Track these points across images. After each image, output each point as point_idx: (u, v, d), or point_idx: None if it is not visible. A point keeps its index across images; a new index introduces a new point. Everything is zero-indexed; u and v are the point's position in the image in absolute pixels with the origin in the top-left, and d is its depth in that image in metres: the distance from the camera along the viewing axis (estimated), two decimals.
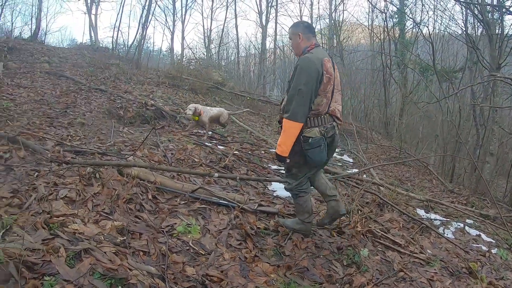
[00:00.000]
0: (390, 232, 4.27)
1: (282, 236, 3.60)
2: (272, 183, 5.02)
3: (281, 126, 3.10)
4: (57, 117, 5.93)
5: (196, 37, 57.07)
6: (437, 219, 5.34)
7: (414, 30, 17.42)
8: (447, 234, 4.82)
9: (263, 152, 6.68)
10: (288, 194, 4.14)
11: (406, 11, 16.65)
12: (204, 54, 25.52)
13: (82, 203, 3.15)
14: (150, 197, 3.71)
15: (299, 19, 23.90)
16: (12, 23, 25.89)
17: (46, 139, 4.68)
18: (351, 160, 9.01)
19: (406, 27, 17.29)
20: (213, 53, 26.15)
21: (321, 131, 3.07)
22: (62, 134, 5.17)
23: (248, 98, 13.52)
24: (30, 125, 5.21)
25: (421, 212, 5.54)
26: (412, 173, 9.54)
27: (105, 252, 2.47)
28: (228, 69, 24.41)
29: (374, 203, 5.00)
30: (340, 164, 8.20)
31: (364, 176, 6.47)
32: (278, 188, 4.76)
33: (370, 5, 19.52)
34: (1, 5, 23.13)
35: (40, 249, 2.25)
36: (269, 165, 6.03)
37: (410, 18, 16.39)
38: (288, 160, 3.16)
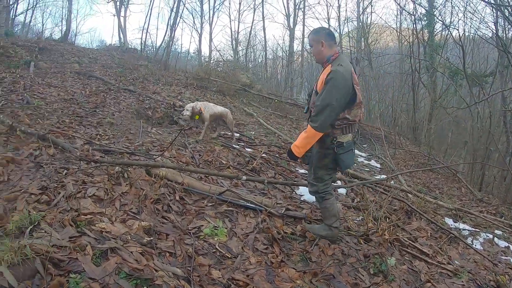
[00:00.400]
0: (417, 241, 4.18)
1: (309, 242, 3.56)
2: (300, 187, 4.96)
3: None
4: (87, 116, 6.08)
5: (223, 39, 57.52)
6: (465, 229, 5.19)
7: (443, 32, 17.03)
8: (475, 245, 4.67)
9: None
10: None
11: (435, 13, 16.18)
12: (231, 56, 25.76)
13: (110, 202, 3.18)
14: (177, 198, 3.73)
15: (327, 22, 24.14)
16: (43, 25, 27.08)
17: (75, 137, 4.80)
18: (378, 165, 8.82)
19: (435, 30, 16.78)
20: (241, 55, 26.39)
21: (353, 135, 3.29)
22: (91, 133, 5.29)
23: (276, 100, 13.50)
24: (59, 123, 5.36)
25: (449, 221, 5.40)
26: (440, 181, 9.25)
27: (131, 252, 2.48)
28: (255, 72, 24.53)
29: (402, 211, 4.92)
30: (368, 169, 8.03)
31: (392, 182, 6.32)
32: (306, 193, 4.70)
33: (398, 7, 19.18)
34: (32, 7, 24.35)
35: (67, 247, 2.28)
36: (296, 168, 5.99)
37: (439, 20, 15.90)
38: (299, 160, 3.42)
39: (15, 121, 4.87)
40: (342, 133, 3.19)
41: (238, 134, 7.48)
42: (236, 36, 26.61)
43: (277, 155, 6.36)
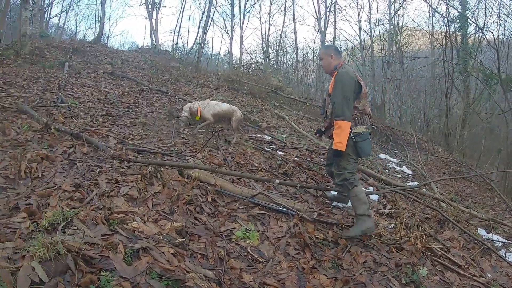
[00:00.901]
0: (450, 252, 4.03)
1: (340, 249, 3.50)
2: (332, 192, 4.85)
3: (327, 132, 4.01)
4: (120, 116, 6.22)
5: (254, 41, 57.86)
6: (498, 241, 4.94)
7: (477, 35, 16.43)
8: (508, 258, 4.44)
9: (322, 159, 6.52)
10: (347, 204, 4.44)
11: (468, 15, 15.62)
12: (262, 59, 25.86)
13: (143, 202, 3.21)
14: (209, 199, 3.72)
15: (358, 24, 24.03)
16: (76, 27, 28.21)
17: (109, 136, 4.90)
18: (410, 172, 8.54)
19: (468, 32, 16.16)
20: (271, 58, 26.43)
21: (366, 127, 3.78)
22: (124, 132, 5.40)
23: (307, 104, 13.38)
24: (93, 122, 5.51)
25: (482, 231, 5.18)
26: (473, 189, 8.84)
27: (163, 252, 2.48)
28: (286, 74, 24.48)
29: (434, 219, 4.80)
30: (400, 176, 7.80)
31: (424, 190, 6.11)
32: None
33: (430, 9, 18.67)
34: (66, 10, 25.41)
35: (99, 244, 2.30)
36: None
37: (473, 22, 15.35)
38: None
39: (50, 120, 5.03)
40: (356, 124, 3.72)
41: (269, 137, 7.44)
42: (266, 38, 26.75)
43: (308, 159, 6.28)
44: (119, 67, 11.79)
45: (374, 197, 5.23)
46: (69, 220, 2.56)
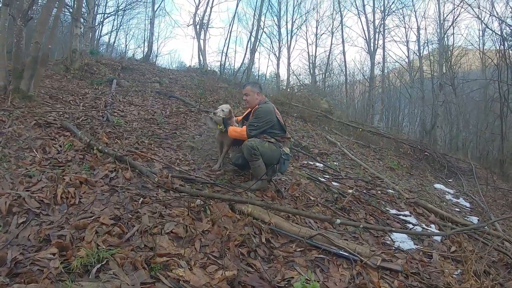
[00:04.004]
0: None
1: None
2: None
3: None
4: (166, 138, 5.99)
5: (300, 63, 57.93)
6: None
7: None
8: None
9: (379, 192, 6.05)
10: (411, 246, 4.11)
11: None
12: (309, 81, 25.59)
13: (189, 242, 2.85)
14: (263, 240, 3.31)
15: (406, 45, 23.45)
16: (126, 45, 29.33)
17: (154, 160, 4.63)
18: (468, 204, 7.70)
19: None
20: (318, 79, 26.09)
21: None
22: (171, 156, 5.13)
23: (360, 129, 12.74)
24: (138, 144, 5.28)
25: None
26: None
27: None
28: (334, 97, 24.02)
29: (501, 263, 4.15)
30: (458, 209, 7.01)
31: (486, 227, 5.43)
32: (399, 238, 4.30)
33: (481, 27, 17.83)
34: (116, 29, 26.53)
35: None
36: (387, 208, 5.39)
37: None
38: None
39: (93, 139, 4.84)
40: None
41: (322, 165, 7.06)
42: (313, 60, 26.50)
43: (365, 191, 5.84)
44: (167, 86, 11.81)
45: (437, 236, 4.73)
46: (104, 262, 2.23)
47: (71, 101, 6.99)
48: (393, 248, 4.05)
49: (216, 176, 4.65)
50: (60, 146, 4.51)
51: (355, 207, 4.98)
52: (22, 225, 2.76)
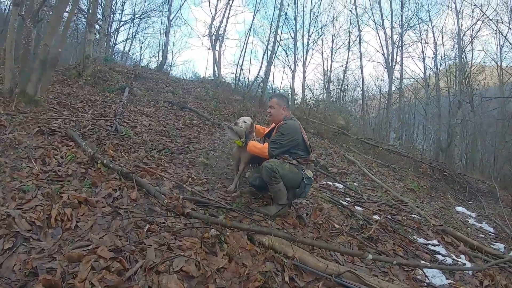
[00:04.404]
0: None
1: None
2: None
3: None
4: (178, 153, 5.55)
5: (315, 77, 57.46)
6: None
7: None
8: None
9: (404, 217, 5.64)
10: (443, 281, 3.77)
11: None
12: (323, 96, 25.27)
13: (202, 282, 2.39)
14: (287, 278, 2.84)
15: (422, 61, 23.07)
16: (141, 54, 29.40)
17: (164, 178, 4.20)
18: (491, 229, 7.13)
19: None
20: (333, 95, 25.72)
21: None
22: (182, 174, 4.68)
23: (380, 148, 12.18)
24: (148, 158, 4.84)
25: None
26: None
27: None
28: (350, 113, 23.57)
29: None
30: (483, 235, 6.47)
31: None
32: (431, 272, 3.93)
33: (499, 43, 17.42)
34: (131, 37, 26.61)
35: None
36: (414, 236, 5.00)
37: None
38: None
39: (99, 151, 4.44)
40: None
41: (341, 186, 6.67)
42: (328, 75, 26.16)
43: (389, 216, 5.41)
44: (181, 97, 11.46)
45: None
46: None
47: (79, 108, 6.62)
48: (425, 284, 3.67)
49: (232, 199, 4.21)
50: (62, 158, 4.12)
51: (383, 236, 4.57)
52: (8, 251, 2.37)
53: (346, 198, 5.98)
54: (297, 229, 3.96)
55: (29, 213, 2.80)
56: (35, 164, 3.77)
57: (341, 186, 6.70)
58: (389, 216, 5.44)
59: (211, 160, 5.53)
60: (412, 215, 5.87)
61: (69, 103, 6.78)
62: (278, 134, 4.06)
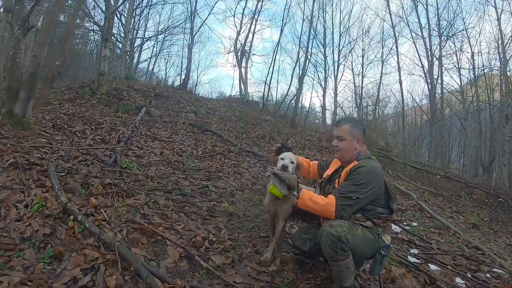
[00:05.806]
0: None
1: None
2: None
3: None
4: (193, 195, 4.17)
5: (345, 94, 55.69)
6: None
7: None
8: None
9: (488, 274, 4.09)
10: None
11: None
12: (356, 114, 23.96)
13: None
14: None
15: (458, 72, 21.02)
16: (166, 73, 28.94)
17: (167, 242, 2.81)
18: None
19: None
20: (365, 112, 24.32)
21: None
22: (196, 232, 3.25)
23: (438, 176, 10.18)
24: (149, 205, 3.47)
25: None
26: None
27: None
28: (388, 132, 22.03)
29: None
30: None
31: None
32: None
33: None
34: (155, 55, 26.26)
35: None
36: None
37: None
38: None
39: (75, 200, 3.14)
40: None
41: (399, 229, 5.24)
42: (360, 91, 24.76)
43: (470, 275, 3.91)
44: (203, 117, 10.24)
45: None
46: None
47: (77, 132, 5.43)
48: None
49: (269, 277, 2.75)
50: (27, 207, 2.87)
51: None
52: None
53: (411, 250, 4.48)
54: None
55: None
56: None
57: (398, 228, 5.24)
58: (469, 274, 3.95)
59: (237, 205, 4.09)
60: (494, 269, 4.32)
61: (68, 126, 5.62)
62: (352, 183, 2.72)
